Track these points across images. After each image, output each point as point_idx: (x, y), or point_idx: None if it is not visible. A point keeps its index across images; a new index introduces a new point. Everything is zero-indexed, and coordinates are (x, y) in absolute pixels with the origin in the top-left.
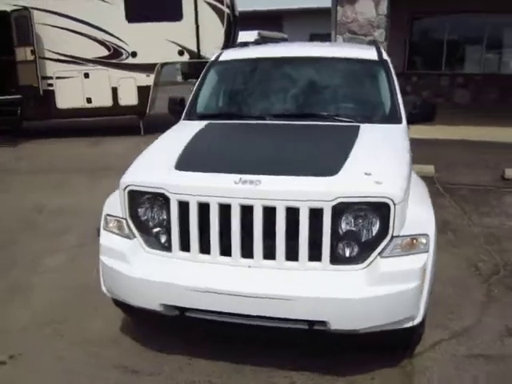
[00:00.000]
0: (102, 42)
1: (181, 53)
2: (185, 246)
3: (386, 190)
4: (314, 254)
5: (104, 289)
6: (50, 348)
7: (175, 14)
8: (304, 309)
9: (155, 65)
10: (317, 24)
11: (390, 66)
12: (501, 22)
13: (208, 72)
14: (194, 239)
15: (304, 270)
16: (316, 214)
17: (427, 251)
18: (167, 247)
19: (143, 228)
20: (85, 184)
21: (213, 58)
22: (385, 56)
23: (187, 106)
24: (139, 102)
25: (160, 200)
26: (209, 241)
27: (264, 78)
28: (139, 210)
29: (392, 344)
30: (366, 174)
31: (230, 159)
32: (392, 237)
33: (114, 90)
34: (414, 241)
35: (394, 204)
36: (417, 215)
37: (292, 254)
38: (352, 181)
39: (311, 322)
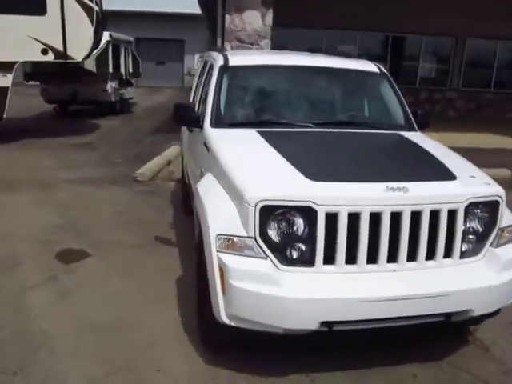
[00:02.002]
0: None
1: (44, 51)
2: (328, 259)
3: (496, 189)
4: (447, 251)
5: (226, 319)
6: None
7: (37, 8)
8: (456, 301)
9: (14, 63)
10: (142, 28)
11: (390, 77)
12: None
13: (222, 77)
14: (342, 250)
15: (440, 267)
16: (450, 215)
17: None
18: (307, 262)
19: (275, 245)
20: None
21: (221, 63)
22: (383, 69)
23: (210, 113)
24: None
25: (299, 213)
26: (355, 250)
27: (289, 85)
28: (270, 226)
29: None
30: (471, 176)
31: (357, 168)
32: (499, 229)
33: None
34: (507, 231)
35: (503, 200)
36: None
37: (430, 254)
38: (471, 183)
39: (448, 314)
